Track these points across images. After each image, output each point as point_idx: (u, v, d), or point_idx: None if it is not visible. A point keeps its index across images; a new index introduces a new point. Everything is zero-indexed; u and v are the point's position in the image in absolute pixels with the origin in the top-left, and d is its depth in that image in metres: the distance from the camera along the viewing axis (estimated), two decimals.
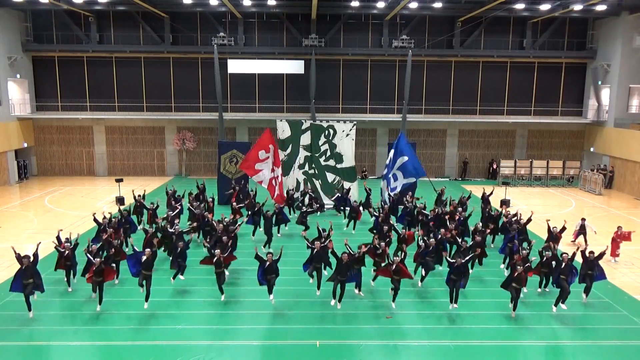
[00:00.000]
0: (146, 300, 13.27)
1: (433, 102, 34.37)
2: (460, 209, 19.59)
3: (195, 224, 17.94)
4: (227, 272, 14.85)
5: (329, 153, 25.38)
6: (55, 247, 14.58)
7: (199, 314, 13.12)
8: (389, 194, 22.79)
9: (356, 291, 14.30)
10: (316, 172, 25.52)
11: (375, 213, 18.69)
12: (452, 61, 34.16)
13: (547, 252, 14.38)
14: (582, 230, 19.30)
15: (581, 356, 11.62)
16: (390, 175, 23.69)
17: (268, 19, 33.42)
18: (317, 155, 25.39)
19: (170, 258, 15.45)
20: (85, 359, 11.22)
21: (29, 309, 12.74)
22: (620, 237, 17.75)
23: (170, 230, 16.17)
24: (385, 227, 16.85)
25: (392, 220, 18.64)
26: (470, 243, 15.48)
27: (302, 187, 25.33)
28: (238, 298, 14.13)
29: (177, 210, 19.33)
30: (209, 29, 33.11)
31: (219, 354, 11.46)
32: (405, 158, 23.22)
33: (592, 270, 13.66)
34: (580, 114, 34.66)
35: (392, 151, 23.88)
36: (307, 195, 23.54)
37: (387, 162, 24.19)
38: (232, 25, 33.08)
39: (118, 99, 33.80)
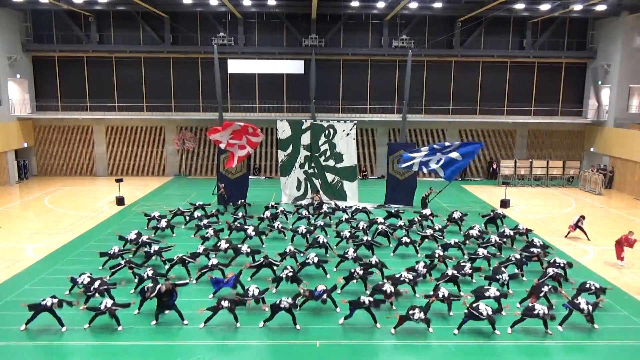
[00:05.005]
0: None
1: (433, 102, 34.36)
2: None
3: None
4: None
5: (328, 153, 25.39)
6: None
7: (199, 314, 13.09)
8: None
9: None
10: (316, 171, 25.54)
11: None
12: (452, 61, 34.15)
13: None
14: (577, 225, 19.76)
15: (581, 356, 11.62)
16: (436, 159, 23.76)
17: (268, 19, 33.42)
18: (317, 154, 25.41)
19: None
20: (85, 359, 11.23)
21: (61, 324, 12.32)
22: (626, 242, 17.01)
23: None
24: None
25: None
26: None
27: (303, 186, 25.37)
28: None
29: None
30: (209, 29, 33.12)
31: (219, 353, 11.47)
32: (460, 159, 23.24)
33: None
34: (580, 114, 34.65)
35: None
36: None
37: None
38: (232, 25, 33.07)
39: (118, 99, 33.80)
